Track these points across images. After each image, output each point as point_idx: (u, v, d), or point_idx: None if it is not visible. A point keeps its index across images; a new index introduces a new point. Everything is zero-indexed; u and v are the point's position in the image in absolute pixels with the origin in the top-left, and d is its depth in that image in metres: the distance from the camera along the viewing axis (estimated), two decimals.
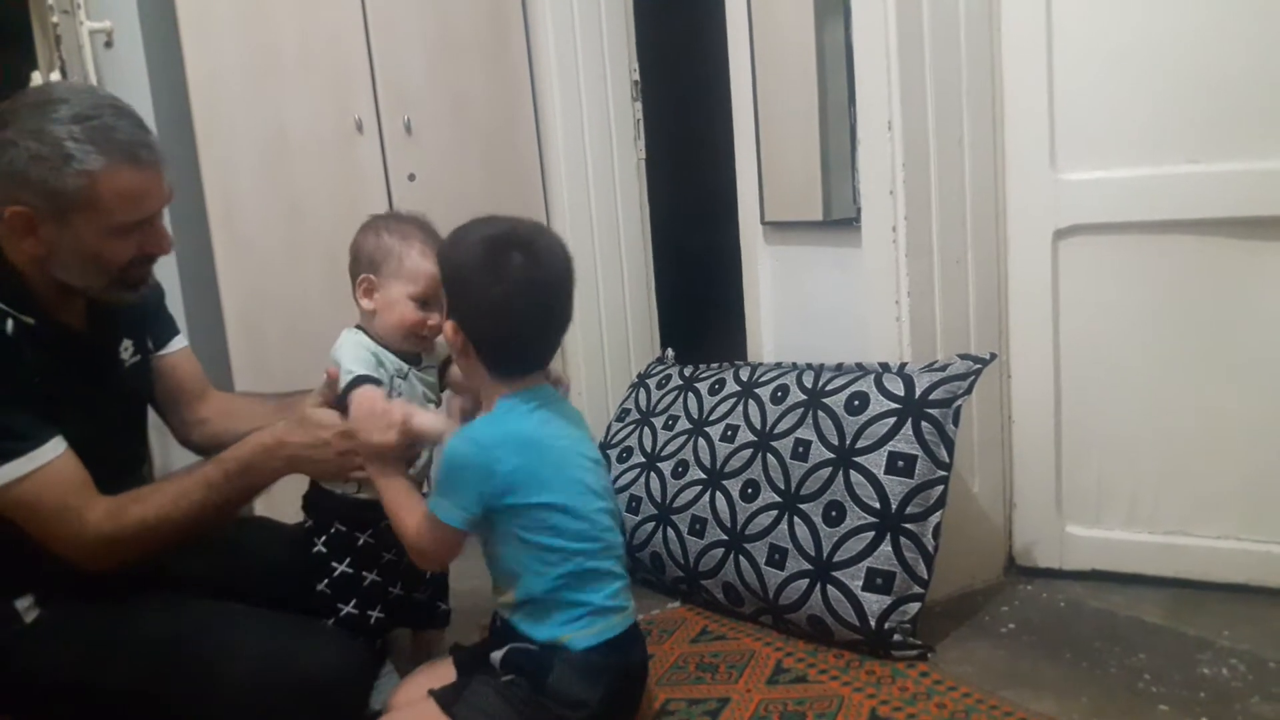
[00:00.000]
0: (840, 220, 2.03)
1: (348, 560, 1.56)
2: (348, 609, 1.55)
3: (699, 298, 3.07)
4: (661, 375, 2.35)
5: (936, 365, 1.83)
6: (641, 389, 2.36)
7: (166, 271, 2.05)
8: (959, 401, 1.75)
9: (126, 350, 1.59)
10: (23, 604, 1.43)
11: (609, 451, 2.26)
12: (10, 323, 1.37)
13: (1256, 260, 1.77)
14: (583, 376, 2.85)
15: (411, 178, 2.60)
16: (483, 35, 2.69)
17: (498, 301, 1.36)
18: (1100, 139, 1.86)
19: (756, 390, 2.03)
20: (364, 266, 1.58)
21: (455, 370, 1.58)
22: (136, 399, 1.64)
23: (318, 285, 2.45)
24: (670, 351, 2.49)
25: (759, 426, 1.96)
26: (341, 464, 1.48)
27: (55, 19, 2.16)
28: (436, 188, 2.65)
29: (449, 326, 1.40)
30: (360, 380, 1.47)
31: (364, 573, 1.57)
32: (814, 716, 1.55)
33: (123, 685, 1.41)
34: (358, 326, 1.58)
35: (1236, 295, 1.80)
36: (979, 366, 1.79)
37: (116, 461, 1.51)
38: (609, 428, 2.35)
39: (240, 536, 1.76)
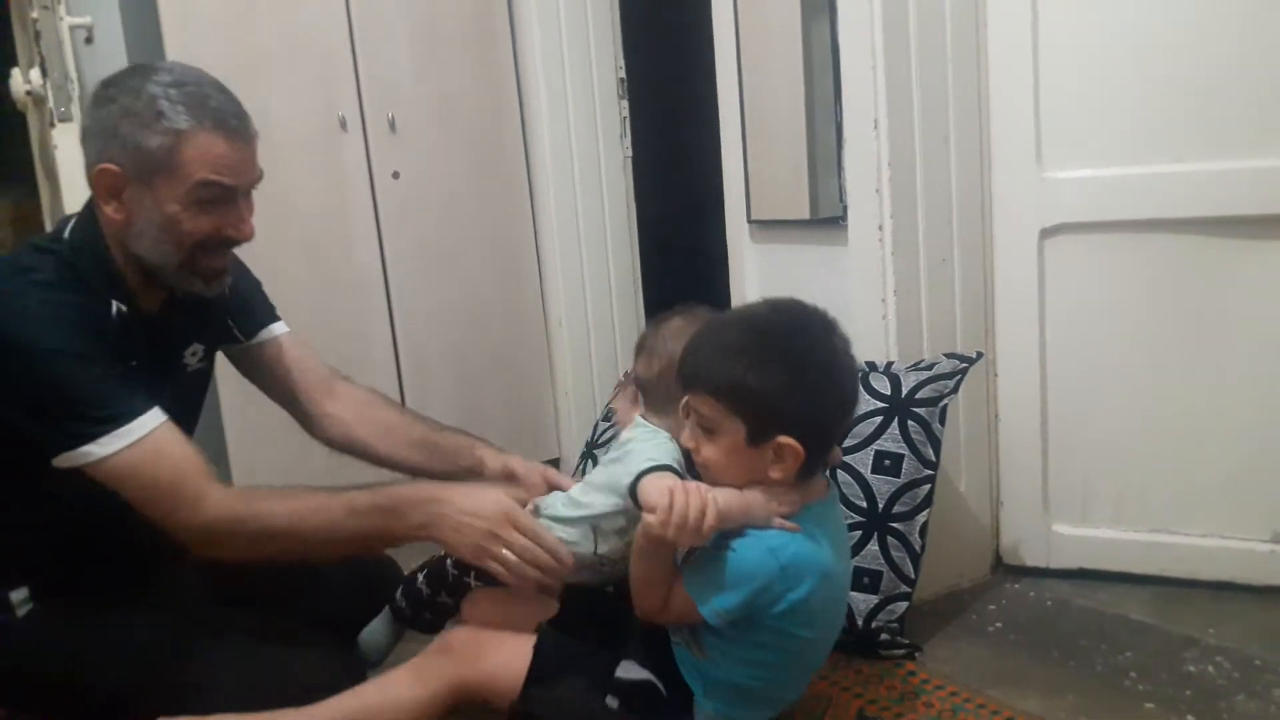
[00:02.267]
0: (827, 219, 2.02)
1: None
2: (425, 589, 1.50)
3: (686, 296, 3.05)
4: None
5: (923, 364, 1.83)
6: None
7: None
8: (945, 400, 1.76)
9: (194, 354, 1.57)
10: (18, 595, 1.41)
11: (595, 451, 2.25)
12: (119, 305, 1.38)
13: (1241, 259, 1.77)
14: (569, 375, 2.85)
15: (396, 175, 2.59)
16: (468, 32, 2.68)
17: (829, 400, 1.27)
18: (1086, 138, 1.86)
19: None
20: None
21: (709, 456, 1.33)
22: (191, 406, 1.59)
23: (302, 283, 2.44)
24: None
25: None
26: (480, 552, 1.35)
27: (35, 14, 2.14)
28: (421, 185, 2.64)
29: (780, 448, 1.25)
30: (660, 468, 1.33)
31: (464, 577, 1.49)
32: (801, 716, 1.54)
33: (109, 686, 1.39)
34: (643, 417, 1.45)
35: (1221, 294, 1.80)
36: (965, 365, 1.79)
37: None
38: (595, 427, 2.34)
39: None
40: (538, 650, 1.34)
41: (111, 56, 2.47)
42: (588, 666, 1.35)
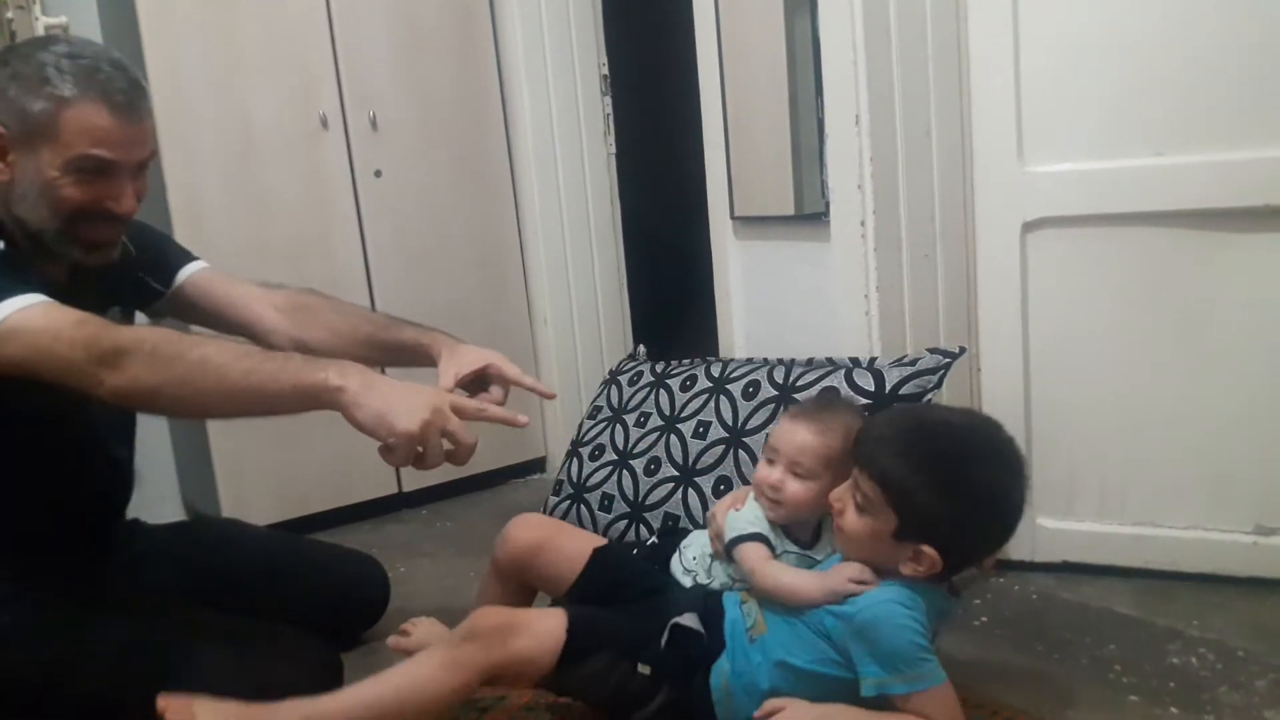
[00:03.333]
0: (810, 214, 2.02)
1: None
2: None
3: (670, 293, 3.06)
4: (633, 372, 2.33)
5: (906, 359, 1.83)
6: (613, 386, 2.35)
7: None
8: (929, 396, 1.75)
9: (114, 315, 1.55)
10: None
11: (580, 449, 2.25)
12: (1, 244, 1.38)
13: (1222, 251, 1.78)
14: (555, 374, 2.84)
15: (378, 174, 2.58)
16: (449, 29, 2.67)
17: (985, 534, 1.32)
18: (1067, 132, 1.86)
19: (728, 386, 2.02)
20: None
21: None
22: None
23: (284, 281, 2.42)
24: (642, 348, 2.48)
25: (730, 423, 1.95)
26: (423, 425, 1.27)
27: (10, 14, 2.13)
28: (403, 183, 2.63)
29: (920, 554, 1.27)
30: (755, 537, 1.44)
31: None
32: None
33: (86, 691, 1.39)
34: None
35: (1202, 286, 1.81)
36: (949, 360, 1.79)
37: (103, 433, 1.50)
38: (580, 425, 2.33)
39: (209, 539, 1.74)
40: (570, 631, 1.35)
41: None
42: (616, 638, 1.38)
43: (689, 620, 1.39)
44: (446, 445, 1.31)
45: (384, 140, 2.58)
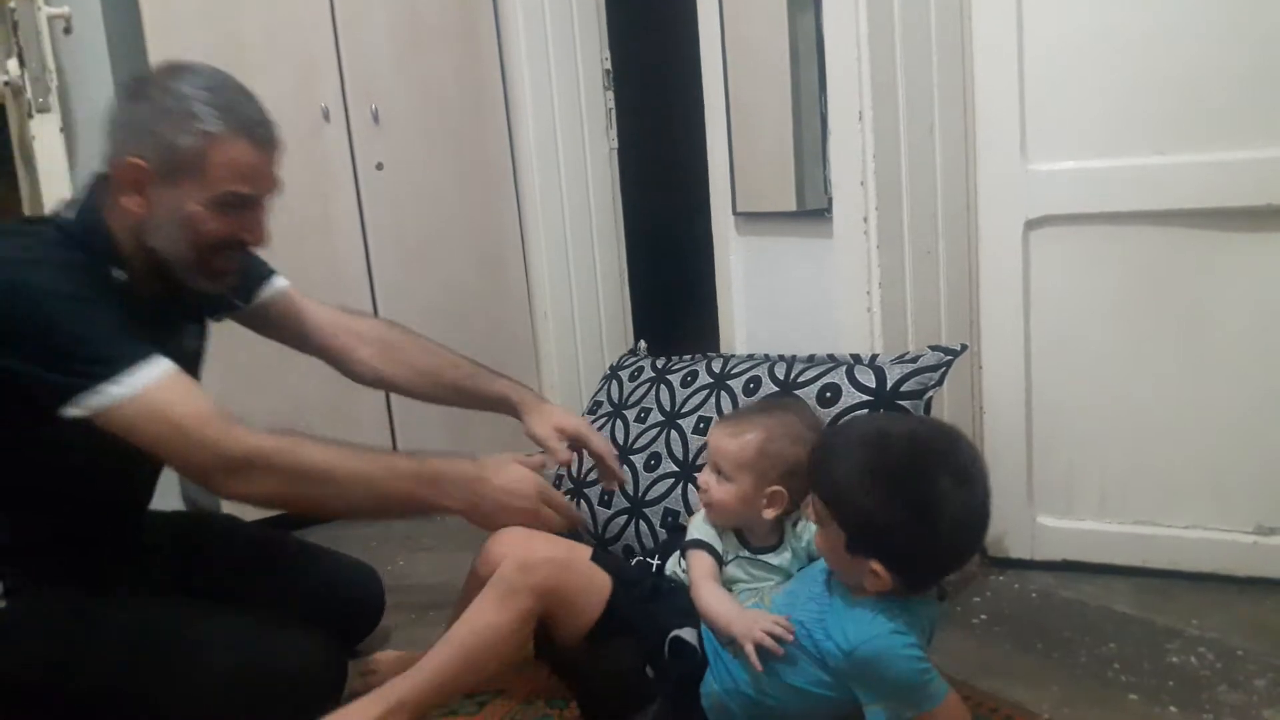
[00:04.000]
0: (812, 210, 2.02)
1: None
2: None
3: (671, 288, 3.06)
4: (634, 367, 2.33)
5: (908, 357, 1.83)
6: (614, 381, 2.35)
7: None
8: (930, 393, 1.75)
9: (192, 335, 1.59)
10: None
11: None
12: (118, 273, 1.40)
13: (1224, 250, 1.78)
14: (555, 369, 2.84)
15: (379, 167, 2.58)
16: (451, 22, 2.66)
17: (939, 550, 1.24)
18: (1070, 129, 1.86)
19: (729, 382, 2.01)
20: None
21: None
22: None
23: (284, 274, 2.41)
24: (643, 344, 2.48)
25: None
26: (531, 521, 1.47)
27: (12, 4, 2.12)
28: (405, 177, 2.63)
29: (873, 567, 1.22)
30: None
31: None
32: None
33: (94, 682, 1.38)
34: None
35: (1204, 285, 1.81)
36: (950, 358, 1.79)
37: None
38: None
39: (202, 536, 1.73)
40: (610, 603, 1.37)
41: (90, 47, 2.45)
42: (645, 630, 1.38)
43: (688, 634, 1.37)
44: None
45: (386, 133, 2.58)
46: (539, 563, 1.37)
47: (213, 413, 1.32)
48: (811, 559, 1.44)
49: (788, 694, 1.29)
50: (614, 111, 2.84)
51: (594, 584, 1.39)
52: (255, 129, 1.40)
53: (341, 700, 1.40)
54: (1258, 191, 1.72)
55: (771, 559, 1.44)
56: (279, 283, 1.73)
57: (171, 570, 1.58)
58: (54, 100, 2.16)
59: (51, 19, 2.17)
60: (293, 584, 1.69)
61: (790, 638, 1.28)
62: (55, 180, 2.18)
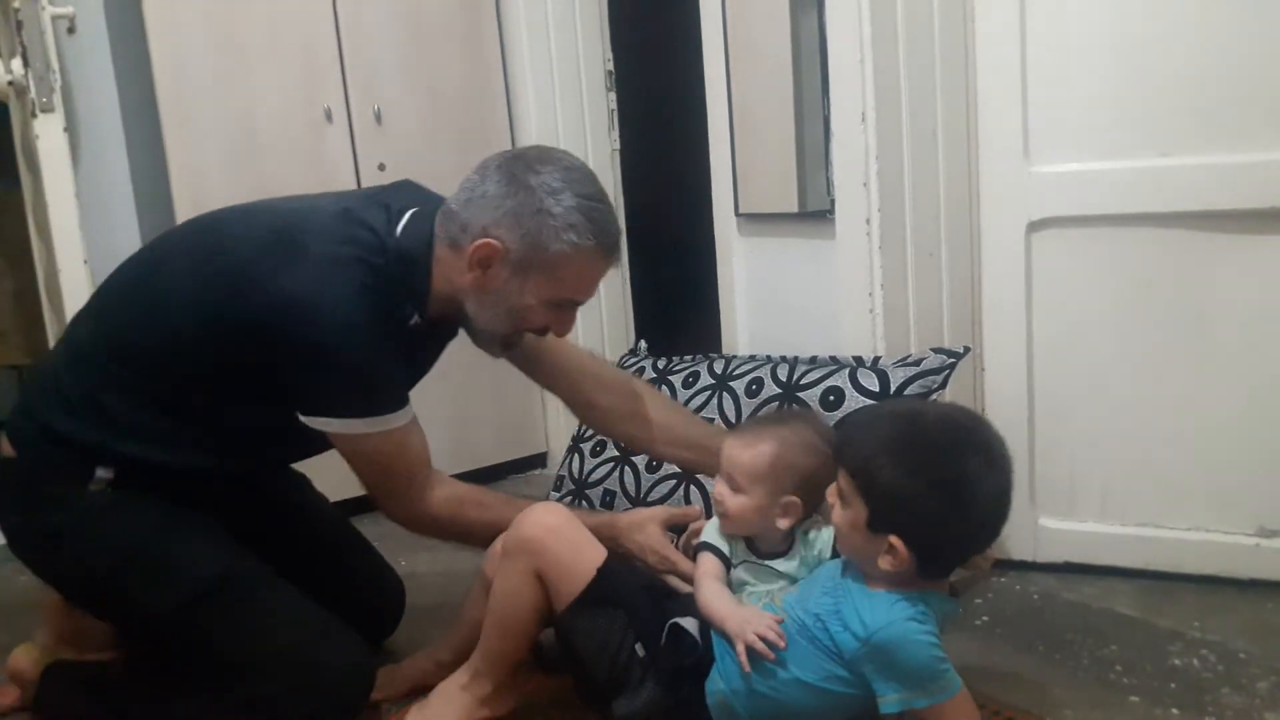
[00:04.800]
0: (815, 212, 2.02)
1: None
2: None
3: (673, 289, 3.06)
4: (635, 367, 2.33)
5: (910, 359, 1.83)
6: None
7: None
8: (934, 395, 1.75)
9: (434, 354, 1.65)
10: (103, 473, 1.44)
11: (582, 445, 2.25)
12: (415, 319, 1.48)
13: (1225, 254, 1.78)
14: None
15: (381, 167, 2.57)
16: (454, 23, 2.66)
17: (962, 531, 1.25)
18: (1073, 132, 1.86)
19: (731, 383, 2.02)
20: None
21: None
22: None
23: None
24: (643, 343, 2.48)
25: (733, 420, 1.95)
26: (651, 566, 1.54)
27: (16, 4, 2.12)
28: (407, 177, 2.62)
29: (892, 545, 1.23)
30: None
31: None
32: None
33: (151, 599, 1.43)
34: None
35: (1207, 287, 1.81)
36: (953, 360, 1.79)
37: None
38: (581, 423, 2.33)
39: (304, 497, 1.81)
40: (601, 570, 1.38)
41: (94, 47, 2.45)
42: (636, 605, 1.39)
43: (688, 624, 1.38)
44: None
45: (388, 134, 2.58)
46: (527, 523, 1.42)
47: (416, 471, 1.48)
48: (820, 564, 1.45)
49: (799, 690, 1.29)
50: (616, 113, 2.84)
51: (584, 550, 1.40)
52: (614, 244, 1.45)
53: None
54: (1260, 194, 1.71)
55: (779, 565, 1.44)
56: None
57: (264, 524, 1.64)
58: (57, 100, 2.16)
59: (55, 19, 2.17)
60: (347, 576, 1.75)
61: (782, 644, 1.29)
62: (58, 180, 2.18)
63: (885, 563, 1.24)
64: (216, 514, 1.52)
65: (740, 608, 1.37)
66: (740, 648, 1.30)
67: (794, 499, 1.40)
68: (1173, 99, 1.77)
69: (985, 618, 1.83)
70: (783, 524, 1.42)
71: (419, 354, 1.58)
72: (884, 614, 1.24)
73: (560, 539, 1.40)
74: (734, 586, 1.43)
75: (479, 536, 1.54)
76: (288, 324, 1.34)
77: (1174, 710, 1.49)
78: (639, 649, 1.37)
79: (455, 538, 1.57)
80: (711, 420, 1.98)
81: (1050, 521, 1.99)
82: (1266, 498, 1.81)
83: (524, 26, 2.70)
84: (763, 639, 1.29)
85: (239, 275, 1.37)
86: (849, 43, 1.85)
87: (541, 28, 2.72)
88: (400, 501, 1.49)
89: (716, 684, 1.35)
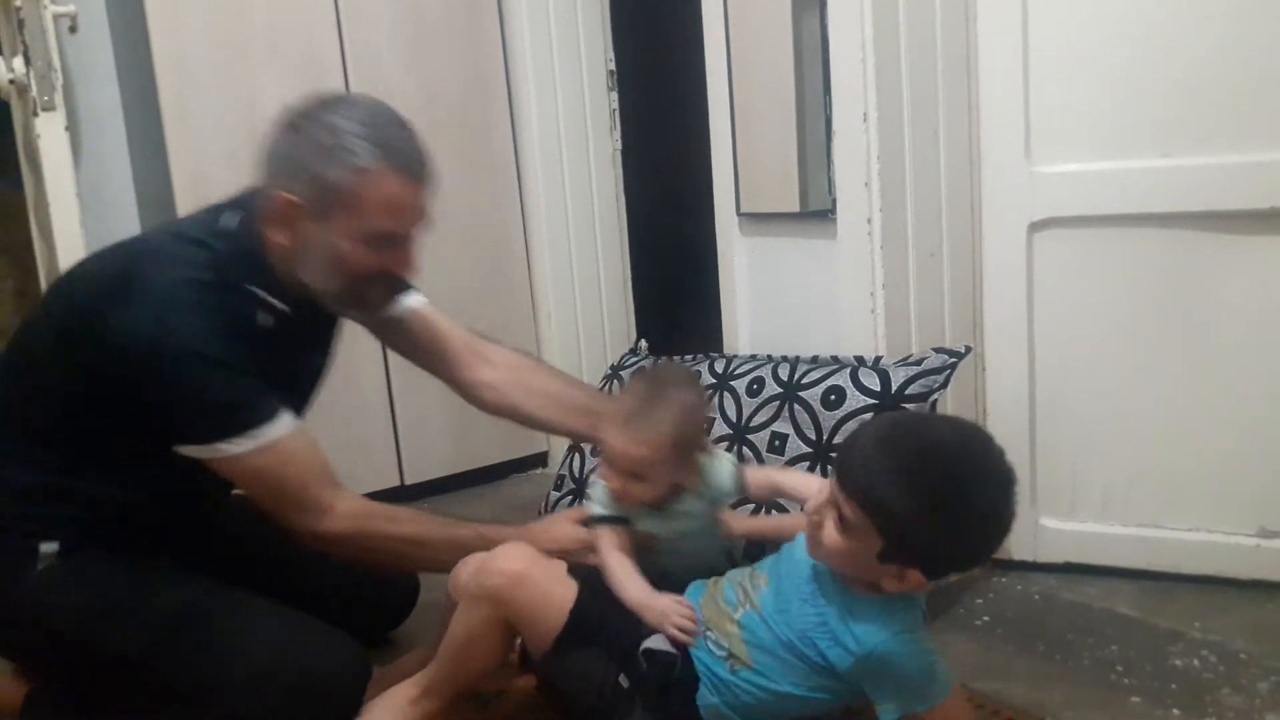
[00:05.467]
0: (816, 212, 2.02)
1: None
2: None
3: (674, 288, 3.06)
4: (635, 367, 2.33)
5: (912, 359, 1.83)
6: (616, 380, 2.35)
7: None
8: (935, 396, 1.75)
9: (321, 351, 1.61)
10: (47, 548, 1.41)
11: (582, 444, 2.24)
12: (264, 316, 1.42)
13: (1226, 254, 1.78)
14: (557, 367, 2.83)
15: None
16: (456, 21, 2.66)
17: (973, 552, 1.27)
18: (1075, 132, 1.86)
19: (732, 383, 2.02)
20: None
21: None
22: (308, 397, 1.62)
23: None
24: (644, 342, 2.48)
25: (735, 419, 1.95)
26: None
27: (18, 2, 2.11)
28: None
29: (905, 573, 1.22)
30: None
31: None
32: None
33: (125, 652, 1.40)
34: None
35: (1208, 287, 1.81)
36: (954, 360, 1.79)
37: None
38: None
39: (256, 530, 1.75)
40: (573, 614, 1.35)
41: (96, 45, 2.45)
42: (613, 639, 1.36)
43: (656, 642, 1.35)
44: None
45: None
46: (491, 572, 1.36)
47: (310, 482, 1.41)
48: (722, 493, 1.47)
49: (791, 701, 1.30)
50: (618, 112, 2.84)
51: (553, 596, 1.35)
52: (411, 164, 1.38)
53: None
54: (1262, 194, 1.71)
55: (683, 505, 1.45)
56: (415, 299, 1.69)
57: (232, 550, 1.60)
58: (59, 99, 2.16)
59: (57, 17, 2.16)
60: (341, 573, 1.72)
61: (698, 631, 1.33)
62: (60, 178, 2.17)
63: (892, 585, 1.23)
64: (180, 551, 1.50)
65: (653, 596, 1.36)
66: (667, 635, 1.33)
67: (692, 460, 1.42)
68: (1175, 99, 1.77)
69: (985, 618, 1.83)
70: (687, 482, 1.43)
71: (295, 353, 1.52)
72: (877, 630, 1.23)
73: (526, 587, 1.35)
74: (717, 582, 1.42)
75: (392, 553, 1.50)
76: (130, 359, 1.32)
77: (1174, 711, 1.49)
78: (623, 680, 1.34)
79: (366, 555, 1.49)
80: (712, 420, 1.98)
81: (1051, 522, 1.99)
82: (1267, 498, 1.81)
83: (525, 26, 2.70)
84: (678, 628, 1.33)
85: (82, 318, 1.35)
86: (851, 42, 1.85)
87: (543, 27, 2.72)
88: (300, 518, 1.42)
89: (708, 698, 1.33)
